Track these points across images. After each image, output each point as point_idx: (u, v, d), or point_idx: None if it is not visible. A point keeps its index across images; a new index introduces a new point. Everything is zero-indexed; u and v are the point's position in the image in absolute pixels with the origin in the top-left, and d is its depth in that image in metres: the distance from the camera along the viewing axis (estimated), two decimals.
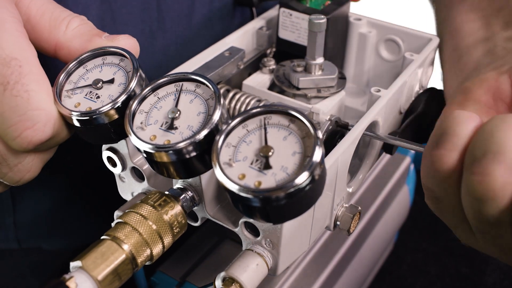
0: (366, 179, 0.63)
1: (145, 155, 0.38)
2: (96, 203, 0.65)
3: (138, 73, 0.41)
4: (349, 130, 0.46)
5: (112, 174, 0.48)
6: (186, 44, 0.61)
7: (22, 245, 0.67)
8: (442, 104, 0.54)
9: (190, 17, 0.61)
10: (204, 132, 0.36)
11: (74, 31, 0.42)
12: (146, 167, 0.45)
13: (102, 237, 0.37)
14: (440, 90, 0.55)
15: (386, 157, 0.66)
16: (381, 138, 0.47)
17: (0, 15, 0.39)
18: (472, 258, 0.74)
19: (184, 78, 0.40)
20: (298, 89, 0.52)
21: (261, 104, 0.52)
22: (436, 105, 0.54)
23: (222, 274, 0.40)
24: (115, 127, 0.40)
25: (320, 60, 0.52)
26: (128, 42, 0.43)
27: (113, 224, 0.38)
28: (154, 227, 0.38)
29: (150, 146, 0.37)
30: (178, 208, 0.40)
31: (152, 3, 0.57)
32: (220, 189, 0.43)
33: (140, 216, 0.38)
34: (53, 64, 0.43)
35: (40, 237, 0.67)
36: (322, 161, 0.34)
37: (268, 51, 0.59)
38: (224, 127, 0.36)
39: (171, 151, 0.36)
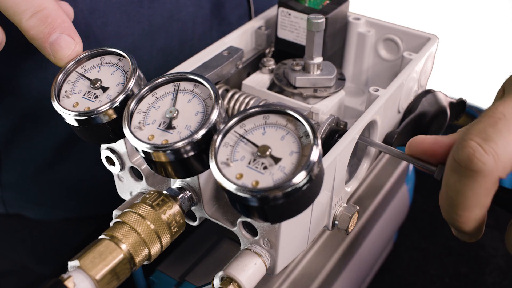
0: (365, 178, 0.63)
1: (143, 155, 0.38)
2: (81, 176, 0.66)
3: (137, 73, 0.41)
4: (348, 129, 0.46)
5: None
6: (171, 17, 0.62)
7: (8, 209, 0.68)
8: (440, 105, 0.54)
9: None
10: (202, 131, 0.36)
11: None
12: (144, 166, 0.45)
13: (100, 237, 0.37)
14: (438, 92, 0.55)
15: (385, 156, 0.66)
16: (376, 146, 0.47)
17: None
18: (471, 258, 0.74)
19: (182, 77, 0.40)
20: (294, 87, 0.52)
21: (260, 104, 0.52)
22: (434, 106, 0.54)
23: (220, 273, 0.40)
24: (114, 127, 0.40)
25: (318, 59, 0.52)
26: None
27: (111, 224, 0.38)
28: (152, 226, 0.38)
29: (148, 145, 0.37)
30: (176, 208, 0.40)
31: None
32: (218, 188, 0.44)
33: (138, 216, 0.38)
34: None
35: (25, 202, 0.68)
36: (319, 161, 0.34)
37: (267, 50, 0.59)
38: (222, 126, 0.36)
39: (169, 151, 0.36)
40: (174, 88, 0.40)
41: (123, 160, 0.46)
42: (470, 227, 0.37)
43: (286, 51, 0.58)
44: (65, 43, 0.42)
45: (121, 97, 0.40)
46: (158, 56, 0.62)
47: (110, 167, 0.47)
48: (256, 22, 0.59)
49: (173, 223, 0.39)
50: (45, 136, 0.62)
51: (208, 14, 0.64)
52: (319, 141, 0.34)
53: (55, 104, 0.41)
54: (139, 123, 0.38)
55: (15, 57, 0.56)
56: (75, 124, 0.40)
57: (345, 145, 0.43)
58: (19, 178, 0.66)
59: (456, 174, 0.36)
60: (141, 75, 0.42)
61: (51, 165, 0.65)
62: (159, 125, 0.38)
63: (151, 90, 0.40)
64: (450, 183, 0.36)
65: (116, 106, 0.39)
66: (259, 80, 0.55)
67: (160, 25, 0.61)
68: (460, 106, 0.56)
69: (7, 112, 0.61)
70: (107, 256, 0.35)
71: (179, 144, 0.36)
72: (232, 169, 0.35)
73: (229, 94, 0.53)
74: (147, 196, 0.40)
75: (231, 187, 0.34)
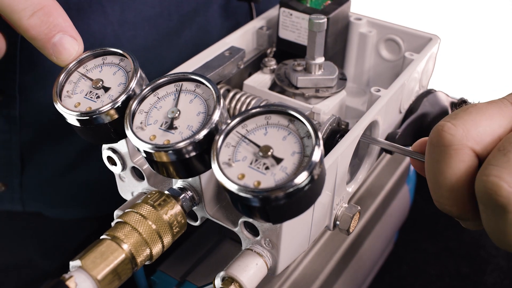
0: (366, 179, 0.63)
1: (144, 155, 0.38)
2: (97, 177, 0.66)
3: (138, 73, 0.41)
4: (349, 130, 0.46)
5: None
6: (200, 29, 0.62)
7: (26, 208, 0.68)
8: (441, 105, 0.54)
9: (207, 6, 0.61)
10: (204, 132, 0.36)
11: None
12: (146, 166, 0.45)
13: (102, 237, 0.37)
14: (439, 92, 0.55)
15: (386, 156, 0.66)
16: (378, 143, 0.47)
17: None
18: (472, 258, 0.74)
19: (184, 78, 0.40)
20: (296, 88, 0.52)
21: (261, 104, 0.52)
22: (435, 106, 0.54)
23: (222, 273, 0.40)
24: (115, 127, 0.40)
25: (320, 60, 0.52)
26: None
27: (113, 224, 0.38)
28: (153, 226, 0.38)
29: (150, 146, 0.37)
30: (177, 208, 0.40)
31: None
32: (220, 189, 0.44)
33: (140, 216, 0.38)
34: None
35: (43, 202, 0.68)
36: (321, 161, 0.34)
37: (269, 51, 0.59)
38: (223, 127, 0.36)
39: (170, 151, 0.36)
40: (176, 88, 0.40)
41: (124, 160, 0.46)
42: (462, 209, 0.35)
43: (288, 51, 0.58)
44: (69, 45, 0.42)
45: (123, 97, 0.40)
46: None
47: (111, 167, 0.47)
48: (258, 22, 0.59)
49: (175, 223, 0.39)
50: (68, 141, 0.63)
51: (234, 26, 0.64)
52: (321, 142, 0.34)
53: (56, 104, 0.41)
54: (141, 123, 0.38)
55: (39, 66, 0.56)
56: (77, 124, 0.40)
57: (346, 146, 0.43)
58: (39, 181, 0.67)
59: (432, 157, 0.35)
60: (143, 75, 0.42)
61: (70, 168, 0.66)
62: (161, 125, 0.38)
63: (153, 90, 0.40)
64: (429, 168, 0.35)
65: (118, 106, 0.39)
66: (260, 80, 0.55)
67: (189, 38, 0.61)
68: (461, 106, 0.56)
69: (33, 120, 0.62)
70: (108, 256, 0.35)
71: (181, 144, 0.36)
72: (234, 169, 0.35)
73: (231, 94, 0.53)
74: (149, 196, 0.40)
75: (233, 187, 0.34)
